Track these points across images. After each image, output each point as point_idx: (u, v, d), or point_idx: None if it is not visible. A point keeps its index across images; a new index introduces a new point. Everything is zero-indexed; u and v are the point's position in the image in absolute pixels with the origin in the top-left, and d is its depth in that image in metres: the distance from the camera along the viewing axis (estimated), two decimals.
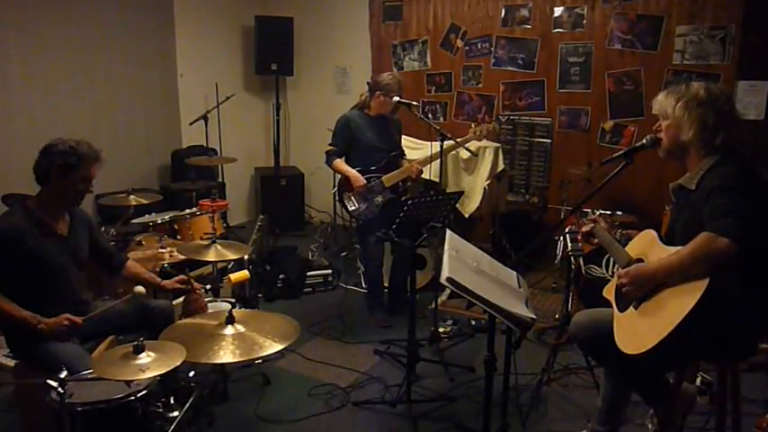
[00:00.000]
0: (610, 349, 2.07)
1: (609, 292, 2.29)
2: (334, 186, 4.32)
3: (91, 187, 2.60)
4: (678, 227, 2.13)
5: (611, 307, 2.24)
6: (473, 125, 3.89)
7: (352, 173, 3.90)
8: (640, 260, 2.17)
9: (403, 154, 4.09)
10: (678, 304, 1.85)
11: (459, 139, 3.82)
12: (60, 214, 2.61)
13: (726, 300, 1.88)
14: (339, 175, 4.06)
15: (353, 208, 3.95)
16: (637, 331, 2.00)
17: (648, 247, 2.18)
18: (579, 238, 2.67)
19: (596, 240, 2.49)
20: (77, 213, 2.71)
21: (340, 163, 3.95)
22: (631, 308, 2.09)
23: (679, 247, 1.96)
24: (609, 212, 3.91)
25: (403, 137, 4.22)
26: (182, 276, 2.86)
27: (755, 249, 1.89)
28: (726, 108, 2.06)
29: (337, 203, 4.10)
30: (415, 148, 4.62)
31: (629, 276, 2.06)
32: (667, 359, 2.02)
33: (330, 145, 3.98)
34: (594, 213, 2.68)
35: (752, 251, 1.87)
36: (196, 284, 2.86)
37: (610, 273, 3.61)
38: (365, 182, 3.89)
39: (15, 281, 2.44)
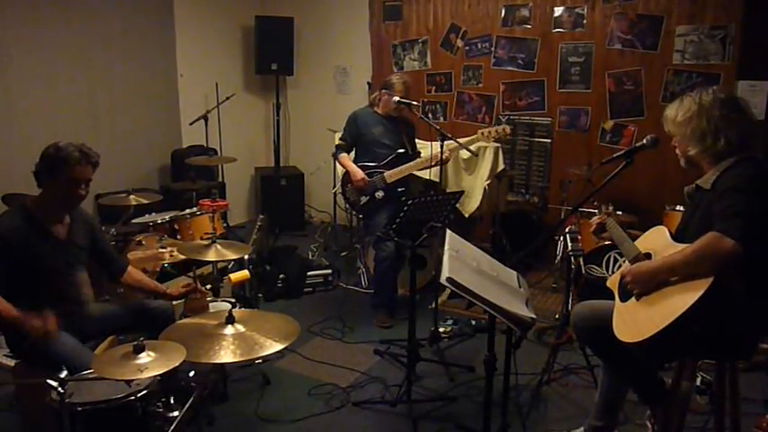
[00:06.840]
0: (608, 341, 2.08)
1: (612, 283, 2.30)
2: (335, 186, 4.32)
3: (83, 190, 2.50)
4: (691, 226, 2.15)
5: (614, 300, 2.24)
6: (481, 130, 3.95)
7: (352, 168, 4.04)
8: (648, 255, 2.18)
9: (417, 154, 4.12)
10: (680, 299, 1.86)
11: (462, 140, 3.87)
12: (59, 217, 2.58)
13: (729, 299, 1.88)
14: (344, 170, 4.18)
15: (354, 200, 4.12)
16: (635, 321, 2.02)
17: (658, 244, 2.19)
18: (586, 232, 2.66)
19: (606, 234, 2.50)
20: (79, 215, 2.68)
21: (344, 158, 4.14)
22: (633, 298, 2.10)
23: (686, 245, 1.97)
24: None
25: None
26: (187, 282, 2.88)
27: (761, 249, 1.90)
28: (720, 113, 2.06)
29: (337, 205, 4.15)
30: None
31: (632, 275, 2.08)
32: (662, 352, 2.03)
33: (339, 139, 4.20)
34: (609, 207, 2.69)
35: (757, 251, 1.87)
36: (201, 288, 2.91)
37: (610, 273, 3.61)
38: (363, 177, 3.99)
39: (12, 283, 2.43)
